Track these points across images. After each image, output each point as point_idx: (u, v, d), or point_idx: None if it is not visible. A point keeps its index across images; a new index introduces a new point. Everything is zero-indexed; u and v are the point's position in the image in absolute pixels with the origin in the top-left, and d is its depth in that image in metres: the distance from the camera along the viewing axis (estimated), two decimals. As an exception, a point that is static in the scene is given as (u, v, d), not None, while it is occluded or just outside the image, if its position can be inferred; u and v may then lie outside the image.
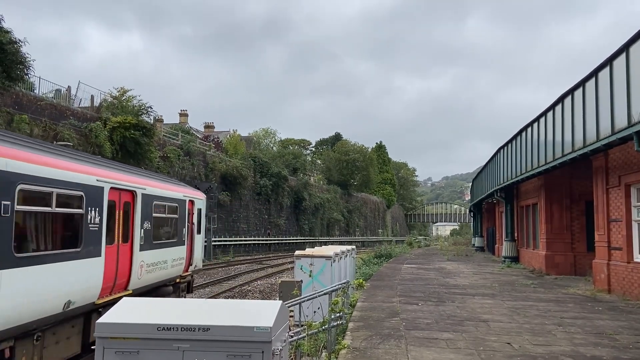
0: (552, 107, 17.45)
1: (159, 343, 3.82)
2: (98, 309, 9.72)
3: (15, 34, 22.83)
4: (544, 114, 18.40)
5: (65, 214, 8.50)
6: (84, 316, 9.51)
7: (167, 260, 13.32)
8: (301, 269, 12.04)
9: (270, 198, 51.39)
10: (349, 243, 59.80)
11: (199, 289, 20.63)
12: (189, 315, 4.00)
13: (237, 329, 3.77)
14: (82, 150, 27.83)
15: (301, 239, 57.42)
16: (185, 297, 15.71)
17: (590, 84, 14.01)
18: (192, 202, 15.40)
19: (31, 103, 25.32)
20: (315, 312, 8.74)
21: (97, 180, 9.45)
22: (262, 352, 3.74)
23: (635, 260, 13.20)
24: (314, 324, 7.45)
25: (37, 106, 25.58)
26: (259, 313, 4.03)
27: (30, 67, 24.07)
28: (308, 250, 13.39)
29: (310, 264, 12.04)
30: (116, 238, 10.45)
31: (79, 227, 8.79)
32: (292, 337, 7.17)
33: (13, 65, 22.69)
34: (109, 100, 32.79)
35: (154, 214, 12.27)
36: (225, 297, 18.70)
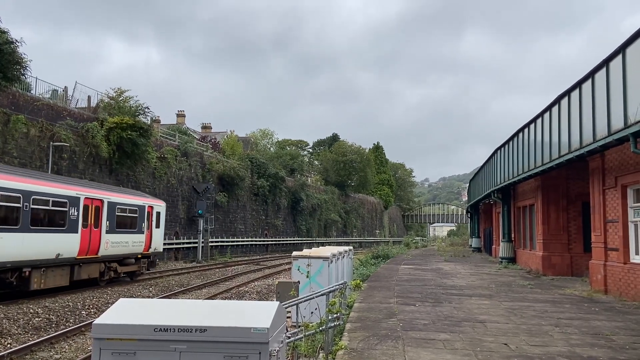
0: (549, 108, 17.49)
1: (155, 344, 3.81)
2: (80, 262, 18.49)
3: (11, 34, 22.79)
4: (541, 115, 18.44)
5: (59, 209, 17.43)
6: (70, 265, 18.08)
7: (129, 242, 21.53)
8: (298, 269, 12.03)
9: (268, 199, 51.36)
10: (347, 244, 59.80)
11: (196, 290, 20.60)
12: (186, 316, 4.00)
13: (235, 330, 3.77)
14: (79, 150, 27.79)
15: (298, 240, 57.40)
16: (147, 270, 24.14)
17: (587, 86, 14.05)
18: (151, 207, 23.57)
19: (28, 103, 25.25)
20: (312, 313, 8.73)
21: (77, 193, 18.38)
22: (260, 353, 3.74)
23: (631, 261, 13.24)
24: (311, 324, 7.44)
25: (34, 106, 25.51)
26: (256, 314, 4.02)
27: (27, 68, 24.03)
28: (305, 251, 13.38)
29: (308, 265, 12.04)
30: (90, 224, 19.02)
31: (66, 218, 17.70)
32: (289, 338, 7.17)
33: (10, 65, 22.63)
34: (106, 100, 32.73)
35: (117, 213, 20.73)
36: (223, 298, 18.68)
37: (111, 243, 20.22)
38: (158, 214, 24.24)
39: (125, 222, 21.36)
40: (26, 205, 15.71)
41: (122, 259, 21.41)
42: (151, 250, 23.50)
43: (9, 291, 15.91)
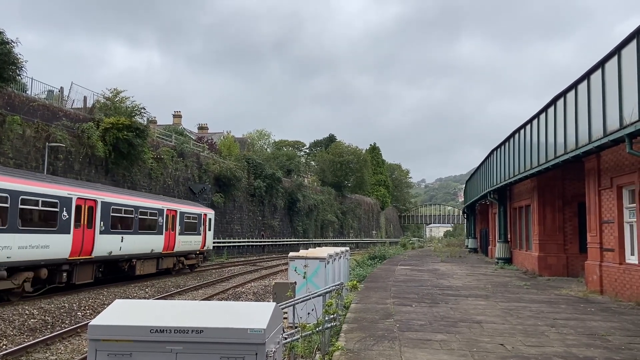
0: (545, 109, 17.54)
1: (151, 345, 3.80)
2: (162, 256, 24.88)
3: (7, 35, 22.70)
4: (537, 116, 18.48)
5: (152, 218, 24.08)
6: (157, 258, 24.52)
7: (192, 241, 28.10)
8: (295, 270, 12.00)
9: (264, 199, 51.30)
10: (343, 244, 59.79)
11: (192, 291, 20.59)
12: (183, 317, 3.99)
13: (231, 331, 3.76)
14: (75, 151, 27.73)
15: (295, 241, 57.36)
16: (201, 263, 30.35)
17: (583, 87, 14.10)
18: (205, 215, 30.22)
19: (23, 104, 25.16)
20: (309, 313, 8.74)
21: (162, 206, 25.01)
22: (256, 354, 3.73)
23: (627, 261, 13.28)
24: (307, 325, 7.43)
25: (30, 107, 25.42)
26: (252, 315, 4.01)
27: (23, 68, 23.94)
28: (302, 252, 13.38)
29: (305, 266, 12.04)
30: (169, 228, 25.40)
31: (156, 224, 24.26)
32: (285, 339, 7.16)
33: (5, 65, 22.55)
34: (102, 101, 32.63)
35: (185, 220, 27.19)
36: (219, 299, 18.65)
37: (181, 242, 26.70)
38: (210, 220, 30.74)
39: (190, 226, 27.85)
40: (136, 215, 22.39)
41: (187, 255, 27.84)
42: (205, 248, 30.13)
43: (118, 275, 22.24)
